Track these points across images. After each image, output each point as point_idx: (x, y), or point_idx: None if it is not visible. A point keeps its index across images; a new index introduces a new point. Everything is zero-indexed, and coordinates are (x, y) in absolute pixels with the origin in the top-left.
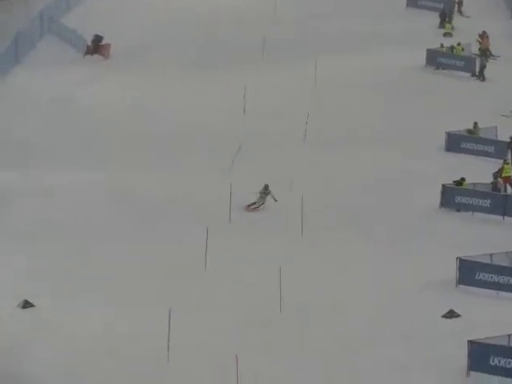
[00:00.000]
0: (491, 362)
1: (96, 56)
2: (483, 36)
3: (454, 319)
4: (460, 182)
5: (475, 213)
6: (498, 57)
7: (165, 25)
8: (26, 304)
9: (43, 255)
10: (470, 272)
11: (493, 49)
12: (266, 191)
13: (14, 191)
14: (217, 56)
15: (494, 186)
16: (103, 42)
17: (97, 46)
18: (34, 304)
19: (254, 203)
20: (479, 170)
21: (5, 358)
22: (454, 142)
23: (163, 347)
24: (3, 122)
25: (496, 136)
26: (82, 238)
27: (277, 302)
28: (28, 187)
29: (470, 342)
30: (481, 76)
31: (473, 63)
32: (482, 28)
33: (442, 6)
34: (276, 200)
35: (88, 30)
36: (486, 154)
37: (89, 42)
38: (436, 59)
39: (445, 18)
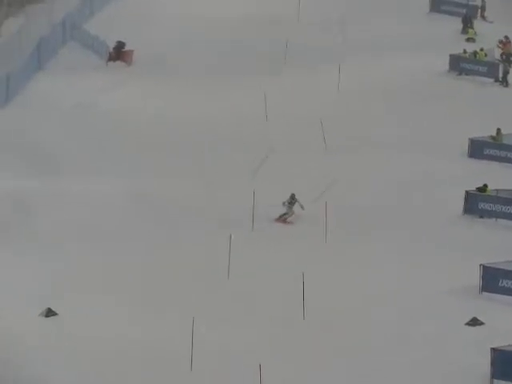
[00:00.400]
0: None
1: (118, 63)
2: (506, 41)
3: (477, 327)
4: (483, 189)
5: (498, 219)
6: None
7: (187, 31)
8: (49, 312)
9: (67, 263)
10: (493, 279)
11: None
12: (292, 200)
13: (38, 197)
14: (239, 62)
15: None
16: (126, 49)
17: (119, 53)
18: (57, 312)
19: (285, 214)
20: (502, 177)
21: (28, 365)
22: (477, 148)
23: (186, 355)
24: (26, 128)
25: None
26: (106, 244)
27: (300, 309)
28: (51, 193)
29: (494, 350)
30: (504, 81)
31: (496, 69)
32: (504, 33)
33: (464, 11)
34: (303, 208)
35: (110, 37)
36: (509, 161)
37: (111, 49)
38: (459, 64)
39: (467, 24)
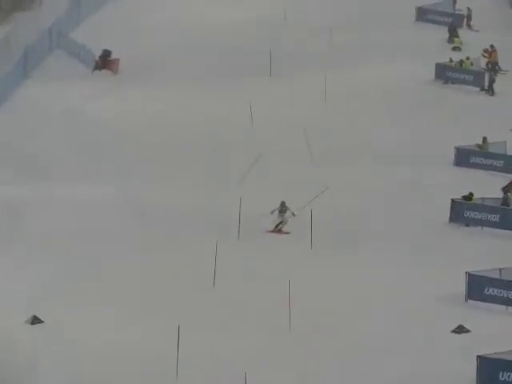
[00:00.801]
0: (500, 378)
1: (104, 71)
2: (492, 50)
3: (463, 334)
4: (469, 197)
5: (484, 227)
6: (507, 71)
7: (173, 40)
8: (35, 320)
9: (54, 269)
10: (479, 287)
11: (502, 63)
12: (283, 208)
13: (26, 204)
14: (226, 69)
15: (505, 201)
16: (112, 57)
17: (105, 61)
18: (43, 320)
19: (280, 223)
20: (488, 185)
21: (12, 373)
22: (463, 157)
23: (172, 363)
24: (13, 136)
25: (505, 151)
26: (92, 251)
27: (286, 317)
28: (39, 200)
29: (479, 358)
30: (490, 90)
31: (482, 77)
32: (490, 42)
33: (450, 20)
34: (295, 215)
35: (97, 45)
36: (495, 169)
37: (97, 57)
38: (445, 73)
39: (453, 33)
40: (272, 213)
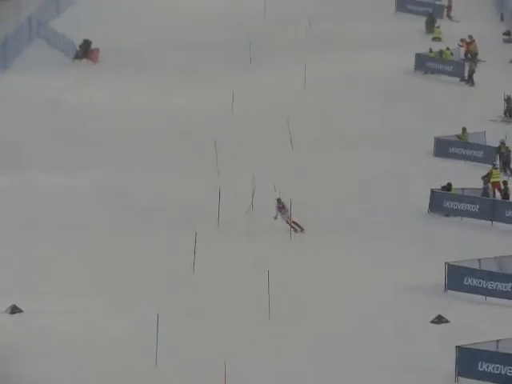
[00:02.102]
0: (479, 368)
1: (85, 61)
2: (470, 40)
3: (442, 324)
4: (448, 188)
5: (464, 218)
6: (484, 61)
7: (153, 29)
8: (14, 309)
9: (32, 258)
10: (458, 277)
11: (482, 53)
12: (280, 204)
13: (4, 193)
14: (207, 59)
15: (485, 191)
16: (92, 47)
17: (86, 51)
18: (22, 309)
19: (296, 225)
20: (468, 175)
21: None
22: (443, 147)
23: (151, 351)
24: None
25: (485, 141)
26: (70, 240)
27: (266, 305)
28: (18, 189)
29: (459, 348)
30: (470, 81)
31: (461, 68)
32: (471, 32)
33: (430, 10)
34: (276, 218)
35: (77, 35)
36: (475, 159)
37: (78, 47)
38: (425, 64)
39: (433, 23)
40: (276, 218)
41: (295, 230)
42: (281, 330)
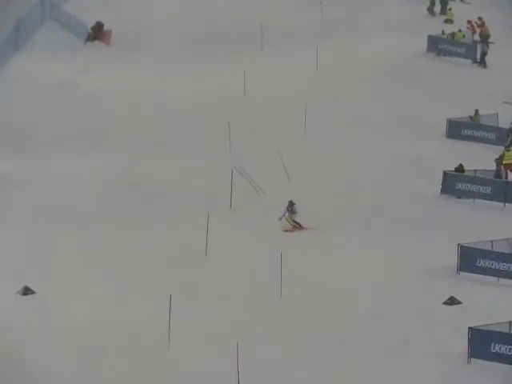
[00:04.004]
0: (492, 349)
1: (97, 43)
2: (481, 23)
3: (454, 306)
4: (460, 169)
5: (476, 200)
6: (492, 43)
7: (166, 13)
8: (27, 291)
9: (44, 242)
10: (470, 259)
11: (494, 35)
12: (291, 208)
13: (16, 177)
14: (219, 42)
15: (497, 173)
16: (104, 29)
17: (98, 33)
18: (35, 291)
19: (297, 224)
20: (480, 157)
21: (5, 344)
22: (455, 129)
23: (163, 333)
24: (4, 109)
25: (497, 123)
26: (82, 224)
27: (278, 288)
28: (28, 174)
29: (471, 329)
30: (482, 63)
31: (474, 50)
32: (482, 14)
33: None
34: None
35: (89, 17)
36: (487, 141)
37: (90, 29)
38: (437, 46)
39: (446, 5)
40: (280, 219)
41: (294, 228)
42: (293, 313)
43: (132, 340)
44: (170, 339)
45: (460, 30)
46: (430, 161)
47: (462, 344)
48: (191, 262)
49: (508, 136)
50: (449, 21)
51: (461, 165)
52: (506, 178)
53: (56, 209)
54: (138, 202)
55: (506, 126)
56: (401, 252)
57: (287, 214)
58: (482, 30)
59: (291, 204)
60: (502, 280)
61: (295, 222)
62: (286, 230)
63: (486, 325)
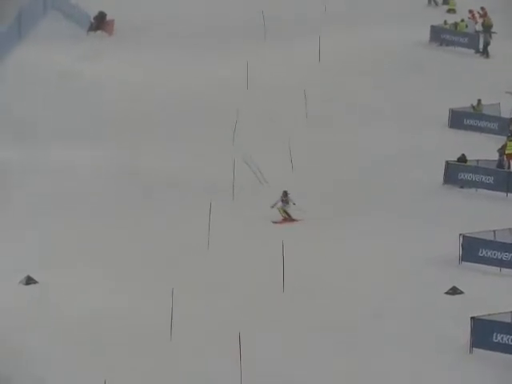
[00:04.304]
0: (494, 339)
1: (99, 33)
2: (483, 12)
3: (456, 296)
4: (463, 159)
5: (479, 189)
6: (495, 33)
7: (169, 2)
8: (29, 280)
9: (46, 232)
10: (473, 249)
11: (496, 25)
12: (285, 198)
13: (17, 167)
14: (220, 34)
15: (500, 163)
16: (107, 19)
17: (100, 23)
18: (37, 280)
19: (286, 213)
20: (482, 147)
21: (6, 332)
22: (458, 119)
23: (166, 325)
24: (7, 98)
25: (500, 113)
26: (83, 214)
27: (280, 279)
28: (31, 163)
29: (473, 319)
30: (485, 53)
31: (476, 40)
32: (485, 4)
33: None
34: (295, 204)
35: (92, 7)
36: (490, 131)
37: (92, 19)
38: (440, 36)
39: None
40: (273, 207)
41: (284, 219)
42: (295, 304)
43: (133, 332)
44: (172, 332)
45: (463, 20)
46: (432, 151)
47: (464, 334)
48: (193, 254)
49: (509, 126)
50: (451, 11)
51: (463, 155)
52: (509, 167)
53: (57, 199)
54: (139, 193)
55: (509, 116)
56: (403, 242)
57: (280, 203)
58: (484, 20)
59: (285, 194)
60: (504, 270)
61: (286, 213)
62: (276, 222)
63: (489, 315)
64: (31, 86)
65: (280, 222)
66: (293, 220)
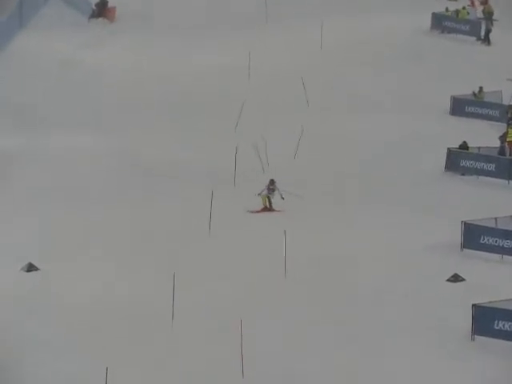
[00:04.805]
0: (495, 326)
1: (101, 20)
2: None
3: (458, 283)
4: (464, 146)
5: (480, 177)
6: (496, 20)
7: None
8: (31, 267)
9: (47, 219)
10: (474, 236)
11: (497, 12)
12: (271, 186)
13: (18, 154)
14: (222, 19)
15: (501, 150)
16: (109, 6)
17: (102, 10)
18: (39, 267)
19: (268, 202)
20: (484, 134)
21: (8, 319)
22: (459, 106)
23: (167, 311)
24: (9, 86)
25: (501, 100)
26: (85, 201)
27: (281, 265)
28: (31, 151)
29: (475, 306)
30: (486, 40)
31: (478, 27)
32: None
33: None
34: (283, 198)
35: None
36: (491, 118)
37: (94, 6)
38: (441, 23)
39: None
40: (259, 194)
41: (263, 208)
42: (296, 290)
43: (135, 319)
44: (173, 319)
45: (464, 8)
46: (433, 138)
47: (465, 321)
48: (195, 241)
49: (507, 113)
50: None
51: (465, 142)
52: (510, 155)
53: (58, 187)
54: (140, 180)
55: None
56: (404, 229)
57: (266, 191)
58: (485, 7)
59: (272, 182)
60: (505, 257)
61: (269, 202)
62: (252, 211)
63: (490, 302)
64: (32, 75)
65: (257, 211)
66: (272, 210)
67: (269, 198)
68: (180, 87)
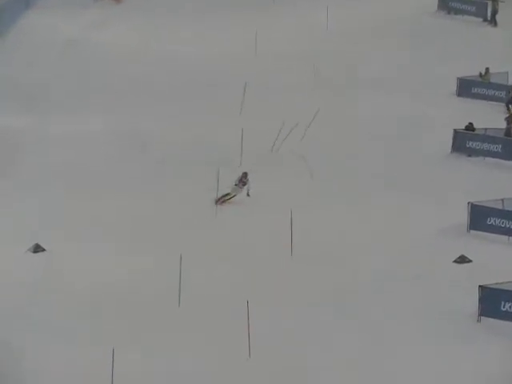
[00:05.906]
0: (502, 308)
1: (107, 0)
2: None
3: (465, 264)
4: (471, 128)
5: (486, 158)
6: (503, 1)
7: None
8: (37, 248)
9: (55, 201)
10: (481, 217)
11: None
12: (244, 180)
13: (27, 137)
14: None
15: (507, 131)
16: None
17: None
18: (45, 248)
19: (227, 194)
20: (490, 115)
21: (14, 300)
22: (466, 87)
23: (173, 293)
24: (14, 67)
25: (507, 81)
26: (93, 183)
27: (288, 247)
28: (40, 131)
29: (481, 288)
30: (492, 21)
31: (484, 8)
32: None
33: None
34: (249, 195)
35: None
36: (498, 99)
37: None
38: (448, 4)
39: None
40: (236, 184)
41: (219, 200)
42: (303, 273)
43: (143, 298)
44: (180, 299)
45: None
46: (440, 119)
47: (472, 302)
48: (201, 221)
49: (509, 93)
50: None
51: (471, 123)
52: None
53: (66, 168)
54: (148, 163)
55: None
56: (411, 210)
57: (239, 183)
58: None
59: (245, 175)
60: None
61: (228, 194)
62: (217, 201)
63: (497, 283)
64: (39, 54)
65: (220, 203)
66: (223, 201)
67: (234, 188)
68: (187, 67)
